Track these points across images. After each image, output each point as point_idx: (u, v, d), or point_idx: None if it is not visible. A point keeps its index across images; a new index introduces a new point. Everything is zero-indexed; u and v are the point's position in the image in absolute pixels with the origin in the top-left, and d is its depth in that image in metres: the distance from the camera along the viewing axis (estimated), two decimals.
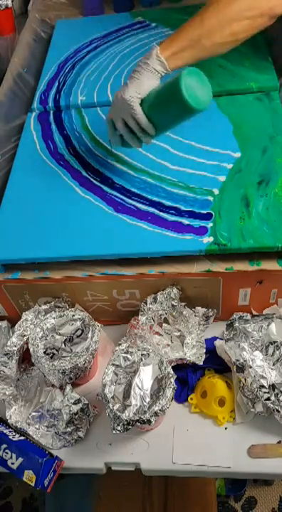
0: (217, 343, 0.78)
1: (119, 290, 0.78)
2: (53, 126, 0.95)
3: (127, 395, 0.68)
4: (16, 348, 0.75)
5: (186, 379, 0.77)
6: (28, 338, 0.76)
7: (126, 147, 0.80)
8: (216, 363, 0.77)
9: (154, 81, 0.72)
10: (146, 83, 0.72)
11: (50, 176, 0.86)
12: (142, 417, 0.65)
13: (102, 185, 0.83)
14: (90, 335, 0.75)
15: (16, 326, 0.78)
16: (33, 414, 0.73)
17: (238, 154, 0.83)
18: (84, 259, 0.76)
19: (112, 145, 0.82)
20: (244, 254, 0.73)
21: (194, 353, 0.75)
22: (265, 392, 0.68)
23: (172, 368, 0.71)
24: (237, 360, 0.70)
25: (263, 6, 0.71)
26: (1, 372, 0.75)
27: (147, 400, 0.67)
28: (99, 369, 0.81)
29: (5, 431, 0.73)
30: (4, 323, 0.83)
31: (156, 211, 0.77)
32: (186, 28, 0.73)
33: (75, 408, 0.72)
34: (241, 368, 0.70)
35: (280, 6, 0.72)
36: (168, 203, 0.78)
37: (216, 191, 0.78)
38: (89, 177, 0.84)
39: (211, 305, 0.79)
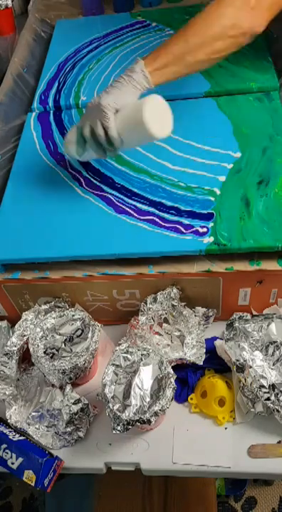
0: (217, 343, 0.78)
1: (120, 290, 0.78)
2: (53, 126, 0.95)
3: (127, 394, 0.68)
4: (16, 348, 0.75)
5: (186, 379, 0.77)
6: (28, 338, 0.76)
7: (80, 158, 0.79)
8: (216, 363, 0.77)
9: (134, 96, 0.72)
10: (125, 96, 0.72)
11: (50, 176, 0.86)
12: (142, 417, 0.65)
13: (102, 185, 0.83)
14: (90, 335, 0.75)
15: (16, 326, 0.78)
16: (33, 414, 0.73)
17: (238, 154, 0.83)
18: (84, 259, 0.76)
19: (65, 151, 0.80)
20: (244, 254, 0.73)
21: (194, 353, 0.75)
22: (265, 392, 0.68)
23: (172, 367, 0.71)
24: (237, 360, 0.70)
25: (244, 25, 0.72)
26: (1, 372, 0.75)
27: (147, 399, 0.67)
28: (99, 369, 0.81)
29: (5, 431, 0.73)
30: (4, 323, 0.83)
31: (156, 211, 0.77)
32: (170, 44, 0.74)
33: (75, 408, 0.72)
34: (241, 368, 0.70)
35: (260, 25, 0.74)
36: (168, 203, 0.78)
37: (216, 191, 0.78)
38: (89, 177, 0.84)
39: (211, 305, 0.79)
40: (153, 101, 0.70)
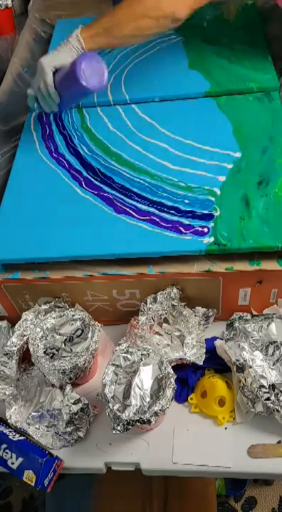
0: (217, 343, 0.78)
1: (120, 290, 0.78)
2: (53, 126, 0.95)
3: (127, 394, 0.68)
4: (16, 348, 0.75)
5: (186, 379, 0.77)
6: (28, 338, 0.76)
7: (36, 109, 0.93)
8: (216, 363, 0.77)
9: (71, 57, 0.82)
10: (62, 56, 0.83)
11: (50, 176, 0.86)
12: (142, 417, 0.65)
13: (102, 185, 0.83)
14: (90, 335, 0.75)
15: (16, 326, 0.78)
16: (33, 414, 0.73)
17: (238, 154, 0.83)
18: (84, 259, 0.76)
19: (28, 103, 0.89)
20: (244, 254, 0.73)
21: (194, 353, 0.75)
22: (265, 392, 0.68)
23: (172, 367, 0.71)
24: (237, 360, 0.70)
25: (165, 9, 0.79)
26: (1, 372, 0.75)
27: (147, 399, 0.67)
28: (99, 369, 0.81)
29: (5, 431, 0.73)
30: (4, 323, 0.83)
31: (156, 211, 0.77)
32: (103, 17, 0.83)
33: (75, 408, 0.72)
34: (241, 368, 0.70)
35: (181, 11, 0.80)
36: (168, 203, 0.78)
37: (216, 191, 0.78)
38: (89, 177, 0.84)
39: (211, 305, 0.79)
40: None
